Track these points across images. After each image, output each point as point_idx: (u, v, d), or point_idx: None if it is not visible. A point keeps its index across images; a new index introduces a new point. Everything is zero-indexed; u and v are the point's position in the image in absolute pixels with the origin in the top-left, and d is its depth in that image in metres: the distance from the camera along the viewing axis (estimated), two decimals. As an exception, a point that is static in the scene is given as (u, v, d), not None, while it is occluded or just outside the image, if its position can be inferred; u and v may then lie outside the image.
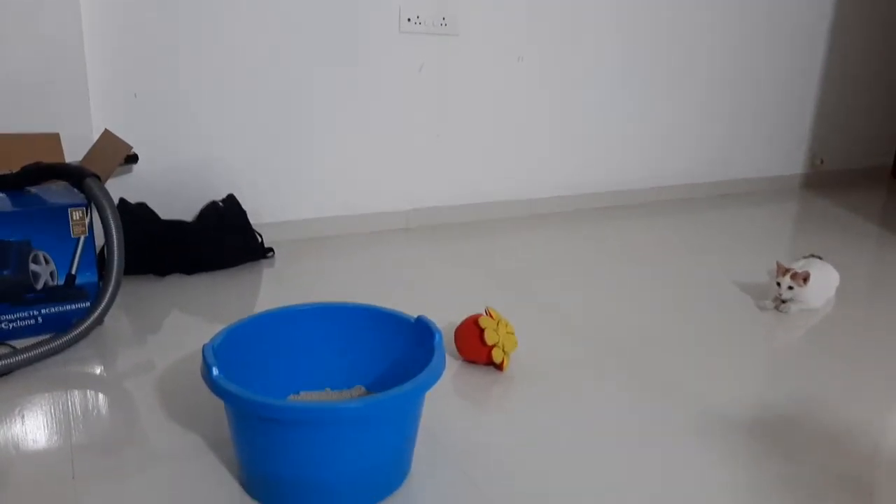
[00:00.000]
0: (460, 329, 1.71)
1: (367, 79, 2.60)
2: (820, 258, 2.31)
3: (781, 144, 3.74)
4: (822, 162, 3.91)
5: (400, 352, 1.38)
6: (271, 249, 2.41)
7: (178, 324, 1.92)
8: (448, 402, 1.54)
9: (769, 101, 3.59)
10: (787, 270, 2.09)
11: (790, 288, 2.07)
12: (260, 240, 2.39)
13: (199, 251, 2.24)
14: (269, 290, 2.18)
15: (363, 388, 1.42)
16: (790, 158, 3.81)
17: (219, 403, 1.43)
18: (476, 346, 1.67)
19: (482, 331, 1.66)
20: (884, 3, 3.82)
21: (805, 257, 2.34)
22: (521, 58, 2.86)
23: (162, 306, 2.01)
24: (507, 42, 2.82)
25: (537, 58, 2.90)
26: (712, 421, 1.49)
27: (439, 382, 1.24)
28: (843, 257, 2.60)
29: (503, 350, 1.67)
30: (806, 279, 2.06)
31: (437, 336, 1.27)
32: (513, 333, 1.71)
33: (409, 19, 2.59)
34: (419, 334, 1.33)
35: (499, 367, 1.67)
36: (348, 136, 2.63)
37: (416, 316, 1.37)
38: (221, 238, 2.29)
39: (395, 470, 1.24)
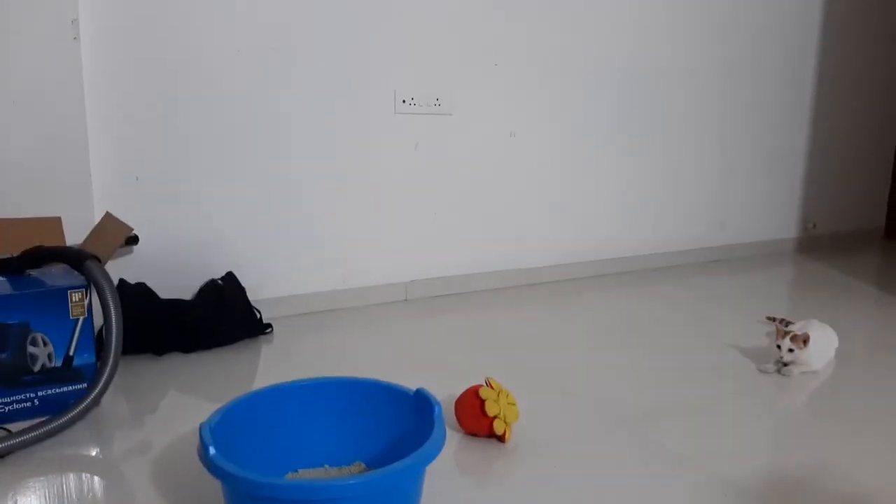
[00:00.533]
0: (461, 400, 1.70)
1: (365, 157, 2.66)
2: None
3: (773, 209, 3.80)
4: (814, 226, 3.96)
5: (400, 426, 1.37)
6: (270, 325, 2.41)
7: (176, 403, 1.90)
8: (449, 476, 1.51)
9: (760, 166, 3.67)
10: (786, 333, 2.10)
11: (790, 350, 2.07)
12: (258, 316, 2.39)
13: (197, 329, 2.24)
14: (269, 366, 2.17)
15: (362, 465, 1.40)
16: (782, 223, 3.86)
17: (217, 484, 1.40)
18: (477, 417, 1.65)
19: (483, 402, 1.64)
20: (867, 66, 3.96)
21: (802, 321, 2.34)
22: (513, 133, 2.94)
23: (159, 386, 1.99)
24: (499, 118, 2.91)
25: (528, 132, 2.98)
26: (721, 489, 1.46)
27: (440, 456, 1.23)
28: (842, 319, 2.60)
29: (505, 421, 1.65)
30: (806, 341, 2.06)
31: (436, 408, 1.27)
32: (514, 404, 1.69)
33: (403, 101, 2.67)
34: (419, 407, 1.33)
35: (501, 438, 1.65)
36: (346, 212, 2.68)
37: (415, 388, 1.36)
38: (220, 316, 2.30)
39: (397, 549, 1.21)
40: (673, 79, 3.29)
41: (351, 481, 1.10)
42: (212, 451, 1.11)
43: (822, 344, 2.19)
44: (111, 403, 1.85)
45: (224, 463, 1.09)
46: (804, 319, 2.31)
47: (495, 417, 1.64)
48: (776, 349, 2.10)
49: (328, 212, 2.64)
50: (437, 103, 2.74)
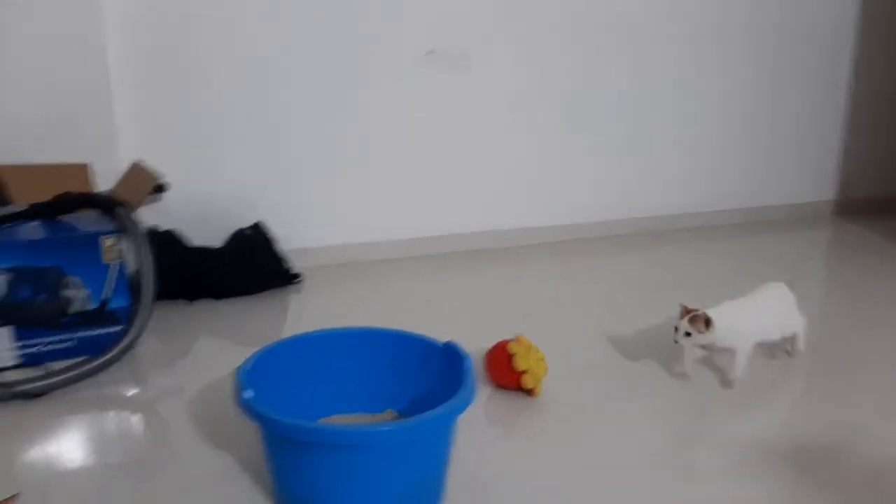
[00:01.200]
0: (490, 355, 1.70)
1: (390, 111, 2.63)
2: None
3: (811, 170, 3.71)
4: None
5: (430, 377, 1.37)
6: (298, 275, 2.43)
7: (208, 348, 1.93)
8: (479, 428, 1.52)
9: (797, 125, 3.56)
10: (688, 312, 1.67)
11: (687, 334, 1.66)
12: (287, 266, 2.40)
13: (227, 277, 2.27)
14: (296, 315, 2.19)
15: (394, 413, 1.42)
16: (819, 185, 3.76)
17: (250, 427, 1.43)
18: (506, 371, 1.65)
19: (511, 356, 1.64)
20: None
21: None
22: (537, 86, 2.87)
23: (191, 331, 2.03)
24: (523, 71, 2.84)
25: (559, 85, 2.92)
26: (748, 450, 1.45)
27: (471, 408, 1.24)
28: (879, 284, 2.55)
29: (534, 376, 1.65)
30: (708, 323, 1.65)
31: (466, 361, 1.27)
32: (543, 359, 1.69)
33: (425, 53, 2.62)
34: (449, 359, 1.33)
35: (530, 392, 1.66)
36: (376, 164, 2.66)
37: (444, 341, 1.36)
38: (249, 264, 2.31)
39: (428, 495, 1.22)
40: (711, 35, 3.18)
41: (387, 427, 1.12)
42: (248, 394, 1.13)
43: (753, 318, 1.76)
44: (146, 346, 1.88)
45: (260, 407, 1.10)
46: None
47: (524, 372, 1.64)
48: (673, 331, 1.70)
49: (356, 165, 2.63)
50: (459, 56, 2.68)
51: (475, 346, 1.87)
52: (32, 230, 1.80)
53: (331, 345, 1.42)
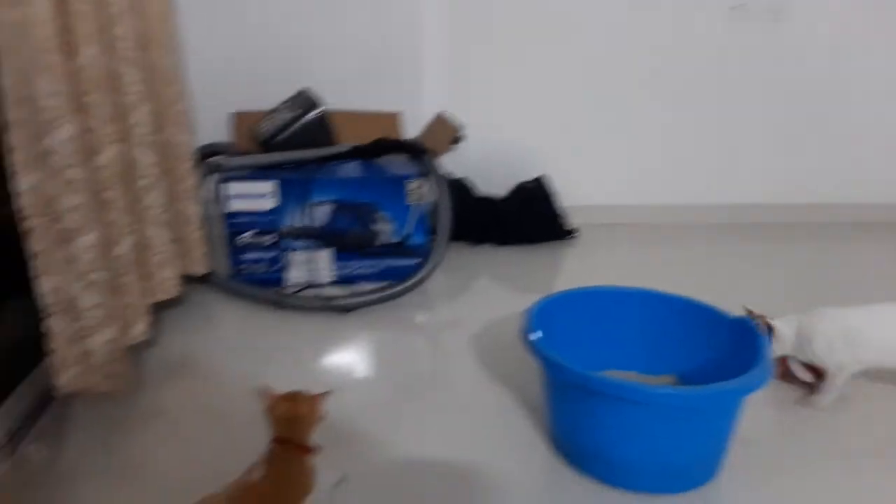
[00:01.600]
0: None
1: (687, 71, 2.51)
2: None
3: None
4: None
5: (715, 349, 1.33)
6: (574, 231, 2.47)
7: (488, 289, 2.07)
8: (766, 409, 1.44)
9: None
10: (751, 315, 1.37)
11: None
12: (564, 221, 2.46)
13: (509, 227, 2.38)
14: (570, 269, 2.24)
15: (672, 378, 1.40)
16: None
17: (525, 365, 1.51)
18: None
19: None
20: None
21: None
22: (859, 45, 2.51)
23: (474, 272, 2.18)
24: (842, 29, 2.49)
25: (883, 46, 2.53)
26: None
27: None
28: None
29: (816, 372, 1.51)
30: (770, 330, 1.38)
31: (761, 339, 1.20)
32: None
33: (732, 7, 2.43)
34: (739, 335, 1.27)
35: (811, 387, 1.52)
36: (664, 124, 2.57)
37: (737, 315, 1.30)
38: (530, 216, 2.41)
39: (704, 466, 1.20)
40: None
41: (691, 392, 1.12)
42: (536, 335, 1.20)
43: (858, 333, 1.39)
44: (435, 281, 2.06)
45: (549, 350, 1.16)
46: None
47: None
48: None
49: (643, 125, 2.56)
50: (765, 10, 2.44)
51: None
52: (352, 169, 2.06)
53: (617, 301, 1.44)
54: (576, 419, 1.19)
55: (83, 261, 1.22)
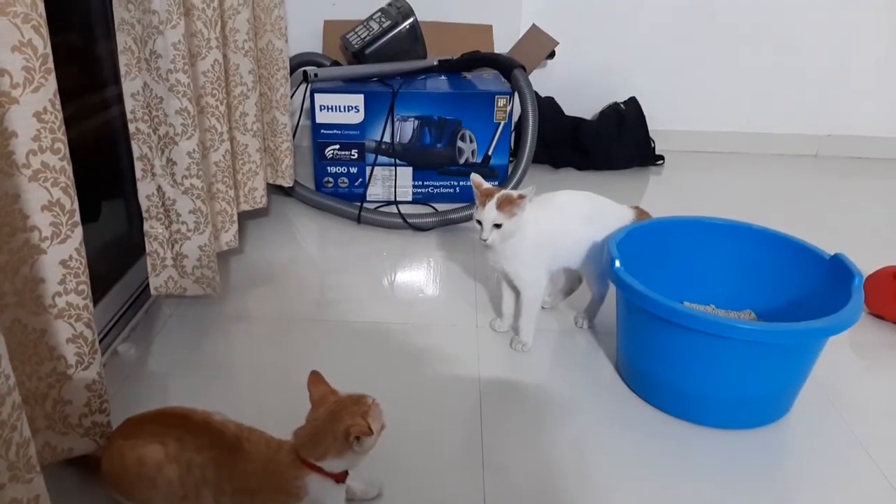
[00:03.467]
0: (874, 278, 1.52)
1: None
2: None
3: None
4: None
5: (804, 287, 1.28)
6: (662, 157, 2.39)
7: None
8: (843, 352, 1.40)
9: None
10: (490, 194, 1.27)
11: (497, 226, 1.26)
12: (653, 146, 2.37)
13: (594, 151, 2.32)
14: (655, 197, 2.18)
15: (753, 314, 1.37)
16: None
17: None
18: (890, 300, 1.47)
19: (902, 285, 1.45)
20: None
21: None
22: None
23: (555, 196, 2.15)
24: None
25: None
26: None
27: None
28: None
29: (923, 312, 1.44)
30: (518, 202, 1.25)
31: (857, 279, 1.15)
32: (940, 296, 1.46)
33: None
34: (832, 273, 1.22)
35: (913, 329, 1.46)
36: (762, 51, 2.41)
37: (831, 253, 1.25)
38: (617, 140, 2.34)
39: (776, 403, 1.19)
40: None
41: (766, 328, 1.10)
42: (617, 263, 1.18)
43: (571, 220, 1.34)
44: (514, 203, 2.05)
45: (630, 278, 1.15)
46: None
47: (913, 305, 1.44)
48: (476, 226, 1.30)
49: (738, 51, 2.41)
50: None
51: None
52: (440, 83, 2.03)
53: (701, 232, 1.39)
54: (653, 349, 1.19)
55: (182, 166, 1.27)
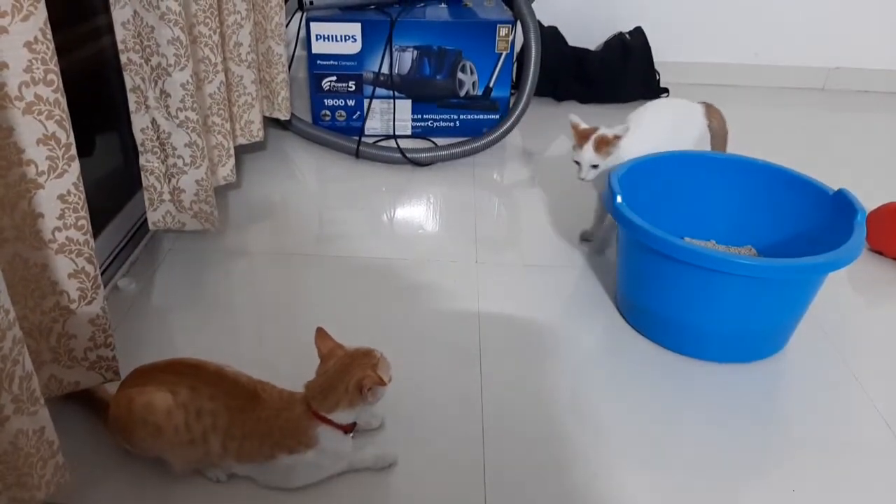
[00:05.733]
0: (876, 214, 1.51)
1: None
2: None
3: None
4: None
5: (805, 222, 1.28)
6: (667, 90, 2.34)
7: (566, 150, 2.00)
8: (841, 288, 1.41)
9: None
10: (587, 134, 1.35)
11: (594, 167, 1.34)
12: (657, 78, 2.32)
13: (598, 82, 2.27)
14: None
15: (753, 250, 1.37)
16: None
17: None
18: (891, 236, 1.47)
19: (903, 221, 1.45)
20: None
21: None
22: None
23: (553, 130, 2.12)
24: None
25: None
26: None
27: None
28: None
29: (924, 247, 1.44)
30: (615, 141, 1.33)
31: (860, 214, 1.15)
32: (941, 232, 1.46)
33: None
34: (834, 208, 1.21)
35: (912, 264, 1.46)
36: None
37: (835, 188, 1.24)
38: (622, 72, 2.28)
39: (774, 337, 1.20)
40: None
41: (766, 262, 1.10)
42: (619, 199, 1.18)
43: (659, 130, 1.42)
44: (511, 136, 2.02)
45: (631, 213, 1.15)
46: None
47: (914, 241, 1.44)
48: (575, 167, 1.38)
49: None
50: None
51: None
52: (440, 11, 1.97)
53: (703, 167, 1.38)
54: (653, 285, 1.20)
55: (176, 98, 1.24)
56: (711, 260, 1.08)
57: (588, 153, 1.33)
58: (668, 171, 1.37)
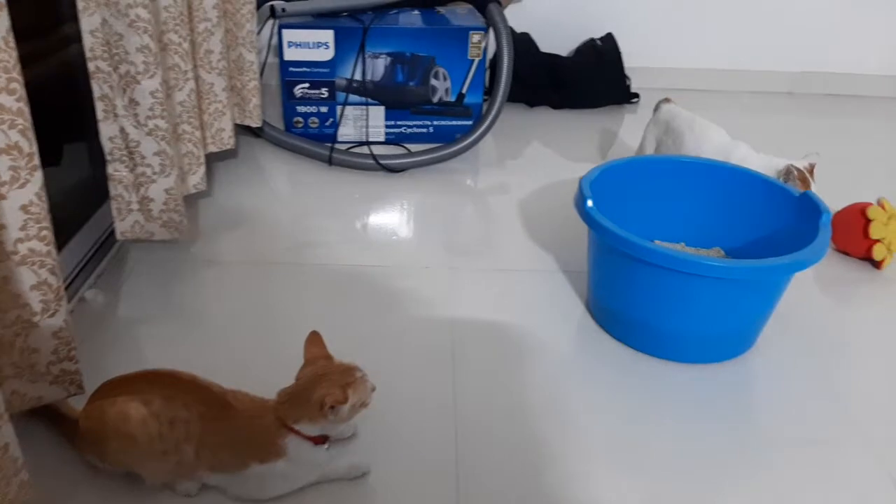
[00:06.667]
0: (841, 215, 1.54)
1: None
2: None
3: None
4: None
5: (771, 224, 1.30)
6: (637, 95, 2.37)
7: (538, 154, 2.04)
8: (807, 287, 1.44)
9: None
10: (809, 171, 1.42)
11: None
12: (628, 83, 2.35)
13: (570, 88, 2.29)
14: (629, 136, 2.17)
15: (721, 251, 1.39)
16: None
17: (570, 232, 1.52)
18: (856, 237, 1.50)
19: (868, 222, 1.47)
20: None
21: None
22: None
23: (526, 136, 2.13)
24: None
25: None
26: None
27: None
28: None
29: (888, 248, 1.47)
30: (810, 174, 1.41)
31: (824, 216, 1.17)
32: (905, 232, 1.49)
33: None
34: (800, 210, 1.24)
35: (877, 265, 1.49)
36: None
37: (801, 191, 1.26)
38: (594, 78, 2.31)
39: (743, 337, 1.22)
40: None
41: (733, 264, 1.12)
42: (590, 203, 1.18)
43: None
44: (484, 142, 2.03)
45: (601, 217, 1.15)
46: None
47: (878, 241, 1.47)
48: None
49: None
50: None
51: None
52: (413, 18, 1.97)
53: (673, 170, 1.40)
54: (624, 288, 1.20)
55: (145, 106, 1.23)
56: (680, 262, 1.09)
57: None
58: (638, 174, 1.39)
